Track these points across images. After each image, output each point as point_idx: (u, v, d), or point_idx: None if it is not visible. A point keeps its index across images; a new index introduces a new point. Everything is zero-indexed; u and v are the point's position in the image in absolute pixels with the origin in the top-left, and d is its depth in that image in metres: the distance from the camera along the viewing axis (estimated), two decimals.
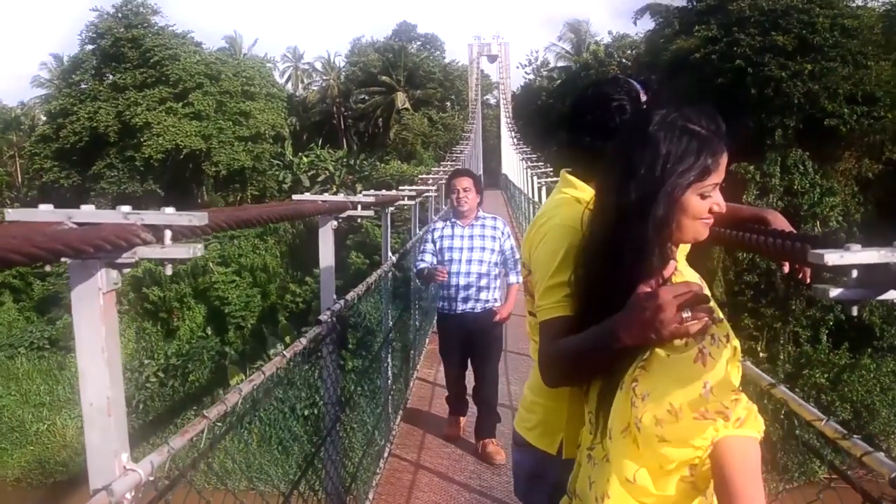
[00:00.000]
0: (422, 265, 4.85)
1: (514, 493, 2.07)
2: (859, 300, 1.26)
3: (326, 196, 3.05)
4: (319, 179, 39.24)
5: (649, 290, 1.30)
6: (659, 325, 1.24)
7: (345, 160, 42.37)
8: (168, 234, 1.34)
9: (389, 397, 5.09)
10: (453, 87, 56.97)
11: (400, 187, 6.86)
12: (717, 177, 1.36)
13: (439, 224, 4.97)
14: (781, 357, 19.29)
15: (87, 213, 1.34)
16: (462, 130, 45.13)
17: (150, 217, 1.34)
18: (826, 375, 17.45)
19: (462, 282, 4.71)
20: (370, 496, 4.20)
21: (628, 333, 1.28)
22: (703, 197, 1.36)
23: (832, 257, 1.23)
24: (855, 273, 1.25)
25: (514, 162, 31.02)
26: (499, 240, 4.78)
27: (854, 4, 27.42)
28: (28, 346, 24.15)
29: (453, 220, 4.84)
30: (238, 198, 38.39)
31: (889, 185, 24.71)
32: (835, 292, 1.26)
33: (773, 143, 24.51)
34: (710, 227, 1.42)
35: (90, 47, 38.51)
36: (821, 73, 24.45)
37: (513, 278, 4.83)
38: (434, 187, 9.83)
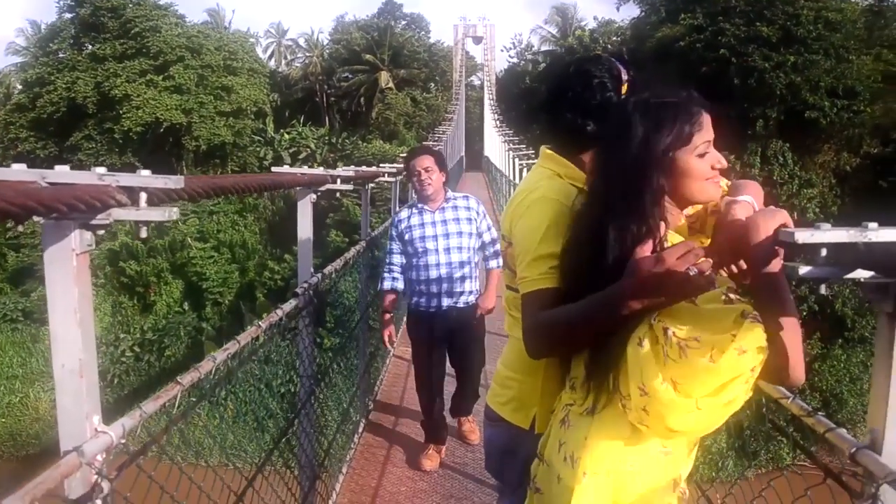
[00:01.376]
0: (387, 282, 4.32)
1: (486, 469, 2.10)
2: (828, 278, 1.29)
3: (306, 169, 3.04)
4: (301, 157, 38.91)
5: (649, 254, 1.34)
6: (671, 286, 1.29)
7: (326, 138, 42.03)
8: (143, 196, 1.34)
9: (365, 374, 5.10)
10: (438, 68, 56.62)
11: (381, 164, 6.84)
12: (704, 135, 1.44)
13: (403, 213, 4.29)
14: None
15: (62, 173, 1.33)
16: (445, 112, 44.94)
17: (126, 179, 1.33)
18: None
19: (443, 273, 4.12)
20: (344, 470, 4.22)
21: (638, 298, 1.33)
22: (700, 156, 1.43)
23: (802, 235, 1.26)
24: (824, 252, 1.28)
25: (496, 144, 30.97)
26: (475, 221, 4.22)
27: None
28: (1, 318, 23.85)
29: (420, 205, 4.22)
30: (218, 173, 37.95)
31: (866, 178, 25.03)
32: (804, 270, 1.29)
33: (754, 134, 24.70)
34: (719, 185, 1.49)
35: (69, 15, 37.70)
36: (803, 66, 24.62)
37: (493, 263, 4.32)
38: None
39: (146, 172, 1.34)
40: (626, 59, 1.81)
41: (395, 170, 6.02)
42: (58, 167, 1.34)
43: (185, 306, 25.07)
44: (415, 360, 4.47)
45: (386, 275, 4.32)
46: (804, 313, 19.26)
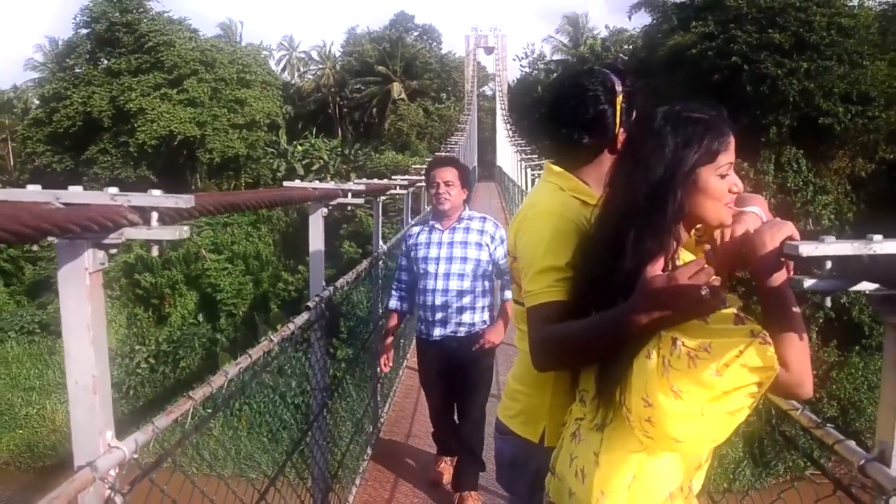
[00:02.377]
0: (392, 301, 4.06)
1: (497, 481, 2.10)
2: (833, 290, 1.29)
3: (317, 183, 3.07)
4: (314, 168, 39.12)
5: (660, 274, 1.34)
6: (682, 305, 1.30)
7: (339, 149, 42.24)
8: (154, 215, 1.36)
9: (379, 386, 5.11)
10: (450, 79, 56.81)
11: (393, 177, 6.88)
12: (728, 157, 1.43)
13: (415, 229, 4.03)
14: None
15: (75, 193, 1.36)
16: (457, 122, 45.04)
17: (137, 199, 1.35)
18: (815, 372, 17.53)
19: (438, 301, 3.76)
20: (357, 482, 4.23)
21: (648, 316, 1.33)
22: (721, 177, 1.43)
23: (807, 248, 1.26)
24: (829, 264, 1.28)
25: (508, 154, 31.02)
26: (487, 247, 3.77)
27: (851, 4, 27.42)
28: (18, 330, 24.07)
29: (431, 222, 3.89)
30: (232, 185, 38.25)
31: (881, 184, 24.83)
32: (809, 283, 1.29)
33: (767, 141, 24.56)
34: (731, 209, 1.48)
35: (84, 31, 38.21)
36: (816, 72, 24.47)
37: (508, 294, 3.79)
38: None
39: (157, 192, 1.36)
40: (624, 69, 1.78)
41: (406, 182, 6.04)
42: (71, 188, 1.37)
43: (200, 318, 25.22)
44: (422, 379, 4.25)
45: (393, 293, 4.09)
46: (820, 321, 19.11)
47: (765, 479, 14.00)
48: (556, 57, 54.87)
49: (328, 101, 54.17)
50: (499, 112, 47.06)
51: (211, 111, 36.51)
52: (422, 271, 3.84)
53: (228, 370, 1.97)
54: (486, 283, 3.85)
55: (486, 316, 3.86)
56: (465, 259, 3.76)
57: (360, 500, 4.10)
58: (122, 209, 1.31)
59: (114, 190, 1.36)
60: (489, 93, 64.61)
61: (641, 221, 1.39)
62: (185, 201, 1.36)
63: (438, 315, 3.79)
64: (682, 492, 1.47)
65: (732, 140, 1.43)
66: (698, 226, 1.59)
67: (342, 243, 24.50)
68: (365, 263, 4.49)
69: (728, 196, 1.43)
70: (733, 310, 1.33)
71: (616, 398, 1.41)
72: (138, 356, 22.16)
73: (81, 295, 1.36)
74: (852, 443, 1.47)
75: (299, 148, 41.11)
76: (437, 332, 3.82)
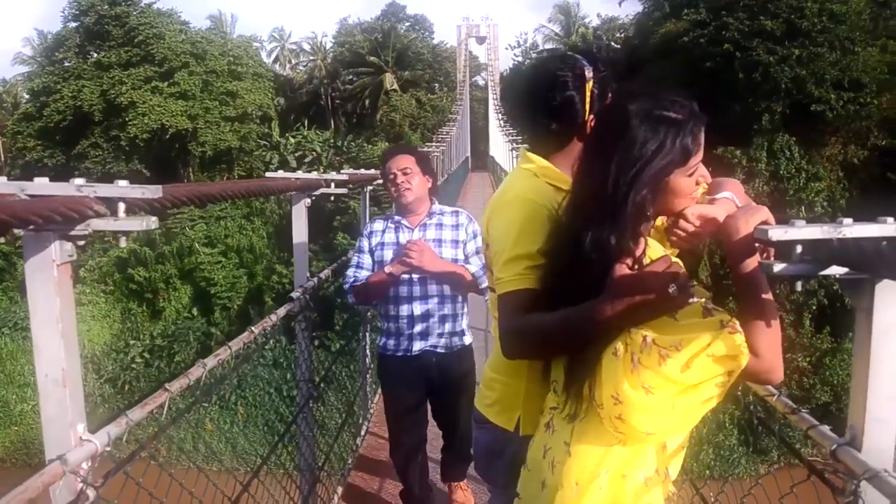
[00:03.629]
0: (355, 278, 3.34)
1: (475, 470, 2.11)
2: (803, 275, 1.29)
3: (300, 174, 3.05)
4: (307, 160, 39.03)
5: (628, 272, 1.33)
6: (652, 303, 1.29)
7: (332, 141, 42.12)
8: (122, 206, 1.35)
9: (368, 376, 5.11)
10: (442, 69, 56.71)
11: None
12: (699, 156, 1.42)
13: (377, 226, 3.41)
14: None
15: (41, 185, 1.35)
16: (450, 112, 44.98)
17: (104, 190, 1.34)
18: (808, 359, 17.70)
19: (417, 311, 3.24)
20: (346, 473, 4.24)
21: (617, 315, 1.32)
22: (690, 175, 1.42)
23: (777, 233, 1.26)
24: (799, 248, 1.28)
25: (500, 143, 30.99)
26: (463, 244, 3.29)
27: None
28: (12, 326, 23.99)
29: (396, 217, 3.35)
30: (225, 178, 38.12)
31: (874, 171, 24.88)
32: (779, 267, 1.29)
33: (759, 128, 24.56)
34: (695, 199, 1.48)
35: (73, 24, 37.95)
36: (808, 59, 24.46)
37: (474, 270, 3.23)
38: None
39: (123, 183, 1.35)
40: (597, 55, 1.75)
41: None
42: (37, 179, 1.36)
43: (194, 312, 25.20)
44: (387, 415, 3.62)
45: (348, 277, 3.36)
46: (814, 307, 19.19)
47: (759, 466, 14.11)
48: (549, 46, 54.73)
49: (320, 93, 54.02)
50: (491, 102, 46.98)
51: (202, 104, 36.35)
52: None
53: (207, 361, 1.96)
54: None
55: (465, 324, 3.40)
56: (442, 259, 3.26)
57: (349, 492, 4.11)
58: (87, 200, 1.30)
59: (80, 181, 1.35)
60: (482, 83, 64.48)
61: (603, 219, 1.37)
62: (151, 192, 1.35)
63: (418, 327, 3.25)
64: (659, 476, 1.48)
65: (702, 136, 1.41)
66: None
67: (336, 235, 24.45)
68: (351, 253, 4.46)
69: (695, 188, 1.43)
70: (701, 302, 1.33)
71: (585, 392, 1.41)
72: (133, 351, 22.15)
73: (49, 287, 1.35)
74: (826, 428, 1.48)
75: (292, 140, 41.01)
76: (417, 346, 3.28)
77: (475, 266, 3.24)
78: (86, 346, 22.12)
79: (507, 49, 62.04)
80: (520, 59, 56.80)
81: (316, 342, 6.42)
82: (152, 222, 1.36)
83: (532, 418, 1.68)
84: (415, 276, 3.22)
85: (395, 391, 3.47)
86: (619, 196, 1.36)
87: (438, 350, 3.30)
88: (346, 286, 3.34)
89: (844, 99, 24.38)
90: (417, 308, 3.25)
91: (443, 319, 3.27)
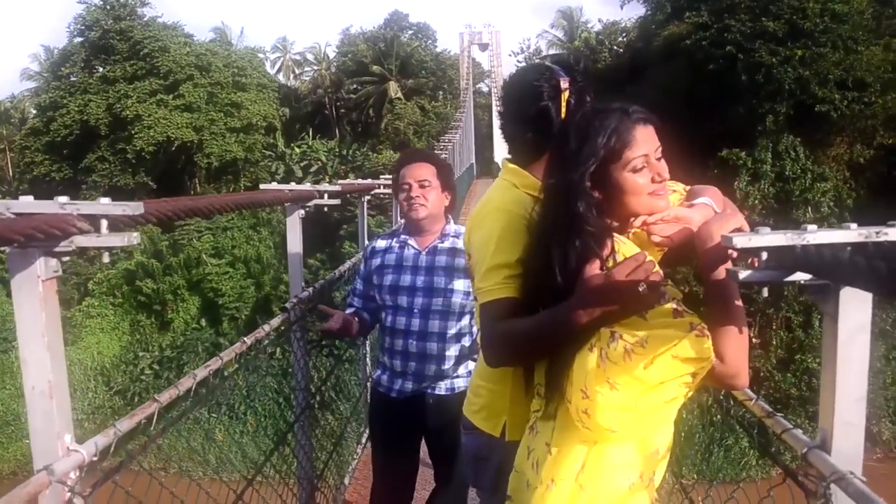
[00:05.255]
0: (349, 305, 3.08)
1: (463, 476, 2.13)
2: (768, 281, 1.31)
3: (292, 185, 3.10)
4: (312, 170, 39.14)
5: (598, 272, 1.36)
6: (622, 302, 1.32)
7: (337, 150, 42.26)
8: (104, 223, 1.39)
9: (368, 383, 5.13)
10: (445, 77, 56.79)
11: (381, 176, 6.88)
12: (637, 150, 1.44)
13: (380, 244, 3.00)
14: (774, 342, 19.42)
15: (26, 203, 1.39)
16: (454, 120, 45.07)
17: (87, 207, 1.38)
18: (818, 360, 17.59)
19: (413, 347, 2.80)
20: (346, 481, 4.26)
21: (589, 315, 1.35)
22: (635, 171, 1.44)
23: (741, 240, 1.28)
24: (765, 255, 1.30)
25: (504, 150, 30.96)
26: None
27: None
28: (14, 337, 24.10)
29: (402, 236, 2.93)
30: (230, 189, 38.27)
31: (881, 170, 24.79)
32: (744, 274, 1.32)
33: (764, 130, 24.52)
34: (665, 196, 1.50)
35: (79, 40, 38.26)
36: (811, 59, 24.43)
37: None
38: None
39: (105, 200, 1.39)
40: (574, 66, 1.80)
41: (391, 181, 6.05)
42: (22, 198, 1.40)
43: (203, 323, 25.29)
44: (373, 460, 3.20)
45: (350, 302, 3.07)
46: (817, 309, 19.07)
47: (770, 469, 14.04)
48: (552, 51, 54.80)
49: (325, 102, 54.18)
50: (494, 109, 47.07)
51: (207, 115, 36.54)
52: (390, 304, 2.86)
53: (197, 372, 2.00)
54: (473, 323, 2.85)
55: (470, 367, 2.85)
56: (450, 292, 2.79)
57: (350, 499, 4.13)
58: (70, 217, 1.33)
59: (64, 199, 1.39)
60: (486, 90, 64.60)
61: (561, 222, 1.42)
62: (132, 209, 1.39)
63: (413, 365, 2.82)
64: (643, 481, 1.50)
65: (643, 133, 1.44)
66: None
67: (343, 244, 24.52)
68: (348, 263, 4.50)
69: (651, 186, 1.45)
70: (672, 304, 1.36)
71: (563, 390, 1.44)
72: (142, 362, 22.25)
73: (35, 302, 1.39)
74: (799, 431, 1.50)
75: (297, 150, 41.12)
76: (411, 386, 2.85)
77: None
78: (95, 357, 22.26)
79: (510, 55, 62.12)
80: (523, 65, 56.88)
81: (325, 350, 6.47)
82: (134, 238, 1.40)
83: (518, 424, 1.71)
84: (415, 308, 2.79)
85: (382, 433, 3.05)
86: (570, 199, 1.42)
87: (437, 392, 2.84)
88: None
89: (849, 99, 24.32)
90: (414, 345, 2.79)
91: (444, 360, 2.79)
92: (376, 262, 2.93)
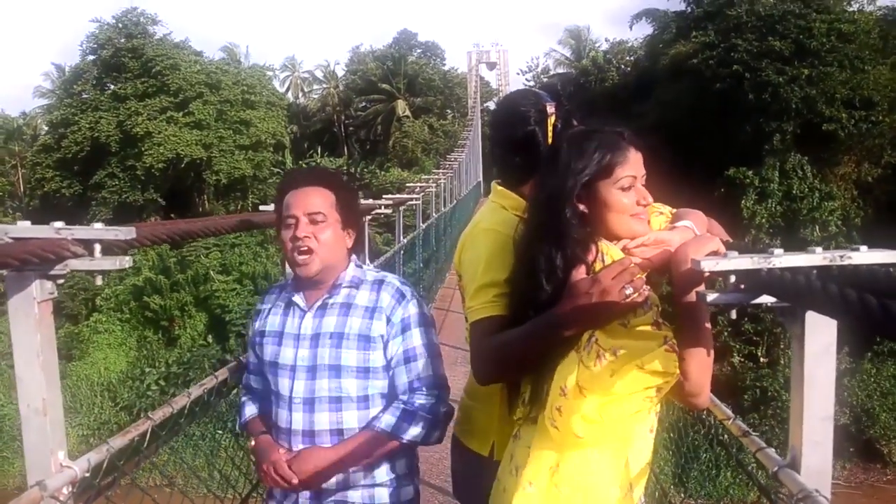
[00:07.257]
0: (246, 410, 2.13)
1: (453, 495, 2.16)
2: (736, 304, 1.35)
3: None
4: None
5: (584, 277, 1.41)
6: (607, 308, 1.36)
7: (345, 168, 42.53)
8: (97, 247, 1.44)
9: None
10: (453, 95, 57.18)
11: (384, 196, 6.95)
12: (628, 170, 1.50)
13: (267, 301, 2.17)
14: (782, 361, 19.29)
15: (23, 228, 1.45)
16: (461, 138, 45.29)
17: (81, 232, 1.44)
18: None
19: (297, 448, 1.92)
20: None
21: (575, 318, 1.40)
22: (622, 190, 1.48)
23: (708, 264, 1.32)
24: (733, 278, 1.34)
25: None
26: (379, 341, 1.93)
27: (851, 9, 27.50)
28: None
29: (290, 290, 2.06)
30: (239, 206, 38.53)
31: (889, 189, 24.75)
32: (712, 296, 1.36)
33: (771, 149, 24.57)
34: (644, 222, 1.54)
35: (91, 57, 38.75)
36: (818, 78, 24.51)
37: (385, 421, 1.88)
38: (420, 195, 9.89)
39: (99, 225, 1.45)
40: (560, 91, 1.87)
41: (392, 202, 6.13)
42: (20, 223, 1.46)
43: (210, 339, 25.31)
44: None
45: (243, 400, 2.18)
46: None
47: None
48: (560, 70, 55.09)
49: (333, 120, 54.58)
50: None
51: (217, 133, 36.85)
52: (272, 379, 2.02)
53: (192, 391, 2.04)
54: (386, 404, 1.95)
55: (400, 469, 2.00)
56: (339, 369, 1.92)
57: None
58: (64, 242, 1.39)
59: (59, 224, 1.45)
60: (493, 108, 64.88)
61: (548, 233, 1.47)
62: (124, 233, 1.45)
63: (302, 472, 1.87)
64: (621, 490, 1.52)
65: (634, 155, 1.50)
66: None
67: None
68: None
69: (635, 208, 1.50)
70: (653, 315, 1.40)
71: (546, 392, 1.48)
72: (149, 378, 22.27)
73: (30, 324, 1.44)
74: (772, 450, 1.53)
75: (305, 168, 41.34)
76: (299, 497, 1.95)
77: (401, 383, 1.94)
78: (102, 373, 22.31)
79: (518, 74, 62.51)
80: (531, 83, 57.15)
81: None
82: (125, 261, 1.45)
83: (506, 443, 1.74)
84: (295, 398, 1.93)
85: None
86: (558, 210, 1.47)
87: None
88: (240, 420, 2.16)
89: (856, 118, 24.35)
90: (289, 440, 1.95)
91: (339, 464, 1.88)
92: (258, 325, 2.13)
